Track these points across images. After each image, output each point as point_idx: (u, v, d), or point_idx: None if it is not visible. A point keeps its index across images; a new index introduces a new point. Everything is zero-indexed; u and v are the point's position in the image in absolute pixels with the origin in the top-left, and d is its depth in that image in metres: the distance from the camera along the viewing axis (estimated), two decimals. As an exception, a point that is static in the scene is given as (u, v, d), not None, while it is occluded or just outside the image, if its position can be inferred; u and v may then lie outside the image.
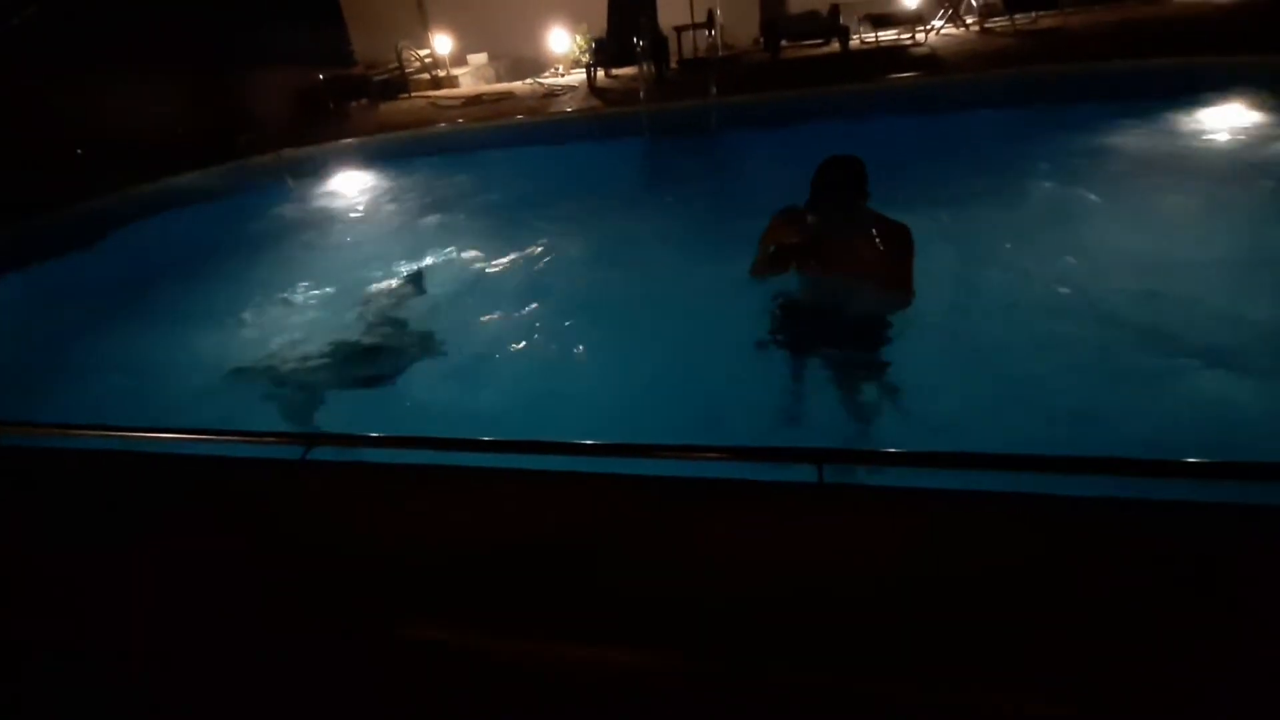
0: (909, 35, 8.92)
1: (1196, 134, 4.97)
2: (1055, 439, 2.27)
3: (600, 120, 7.06)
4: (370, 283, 4.32)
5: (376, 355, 3.33)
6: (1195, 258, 3.29)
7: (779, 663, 1.09)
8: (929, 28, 8.98)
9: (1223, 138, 4.84)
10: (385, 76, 10.13)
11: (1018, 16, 8.71)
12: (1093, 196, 4.22)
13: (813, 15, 9.37)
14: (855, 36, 9.05)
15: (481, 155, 6.86)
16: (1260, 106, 5.10)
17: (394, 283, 4.28)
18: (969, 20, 9.25)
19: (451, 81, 10.35)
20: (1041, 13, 8.81)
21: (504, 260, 4.43)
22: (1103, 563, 1.21)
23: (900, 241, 2.38)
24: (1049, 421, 2.38)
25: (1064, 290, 3.18)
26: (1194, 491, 1.36)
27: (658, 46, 8.39)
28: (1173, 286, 3.07)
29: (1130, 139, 5.02)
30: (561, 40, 10.37)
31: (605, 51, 8.83)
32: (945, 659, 1.06)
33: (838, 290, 2.49)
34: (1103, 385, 2.56)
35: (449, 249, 4.74)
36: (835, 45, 8.82)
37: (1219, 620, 1.08)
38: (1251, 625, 1.07)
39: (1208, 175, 4.38)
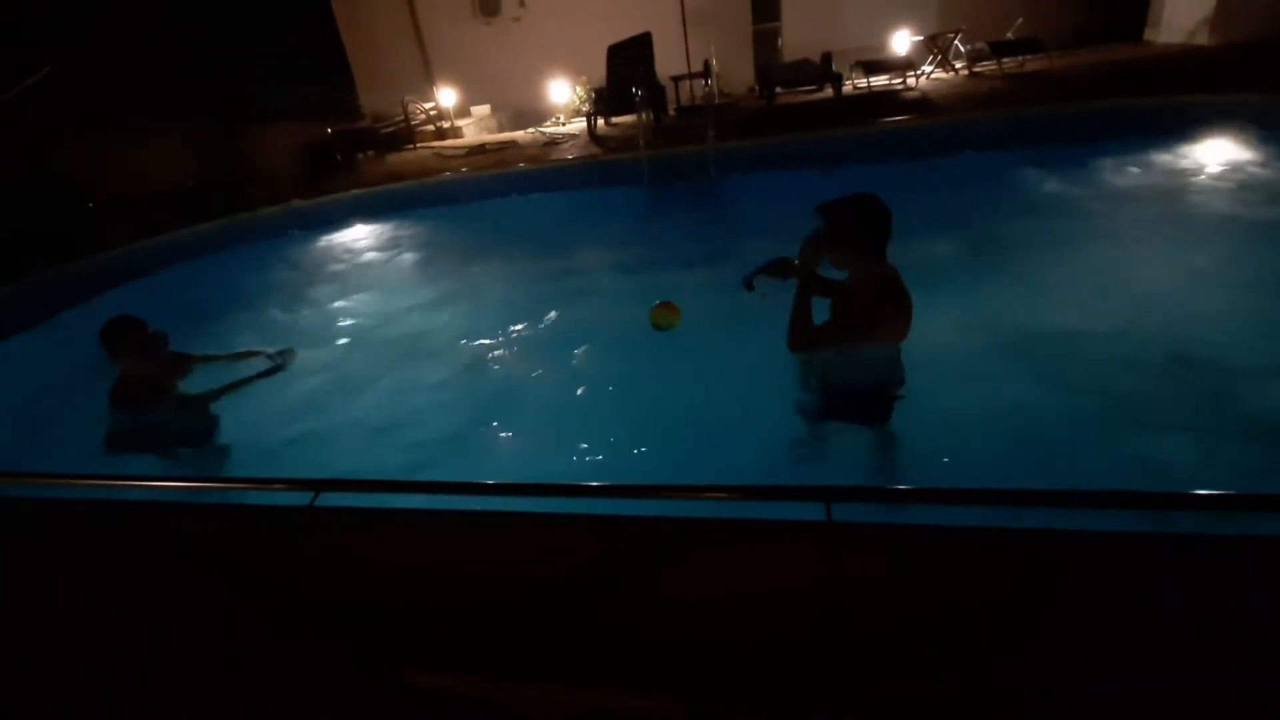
0: (900, 80, 9.19)
1: (1182, 169, 5.08)
2: (1067, 474, 2.27)
3: (600, 166, 7.22)
4: (377, 329, 4.37)
5: (384, 400, 3.35)
6: (1183, 291, 3.34)
7: (792, 702, 1.08)
8: (920, 73, 9.25)
9: (1206, 172, 4.95)
10: (391, 129, 10.41)
11: (1005, 60, 8.98)
12: (1083, 233, 4.29)
13: (806, 63, 9.67)
14: (848, 82, 9.31)
15: (485, 203, 7.00)
16: (1241, 142, 5.22)
17: (400, 328, 4.33)
18: (958, 65, 9.54)
19: (456, 132, 10.63)
20: (1028, 57, 9.09)
21: (509, 304, 4.49)
22: (1114, 598, 1.20)
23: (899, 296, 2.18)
24: (1060, 458, 2.37)
25: (1062, 327, 3.21)
26: (1212, 525, 1.36)
27: (655, 95, 8.64)
28: (1164, 320, 3.11)
29: (1120, 176, 5.13)
30: (562, 91, 10.68)
31: (605, 101, 9.10)
32: (955, 697, 1.05)
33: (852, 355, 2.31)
34: (1110, 420, 2.57)
35: (455, 295, 4.81)
36: (829, 91, 9.08)
37: (1236, 648, 1.07)
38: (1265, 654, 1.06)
39: (1194, 209, 4.47)
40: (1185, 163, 5.18)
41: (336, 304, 5.04)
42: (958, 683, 1.07)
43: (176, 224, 6.38)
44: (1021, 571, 1.29)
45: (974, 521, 1.38)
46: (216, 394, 2.88)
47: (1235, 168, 4.93)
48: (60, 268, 5.39)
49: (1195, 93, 6.03)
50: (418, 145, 10.10)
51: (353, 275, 5.73)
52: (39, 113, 6.88)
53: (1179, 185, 4.82)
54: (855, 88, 9.34)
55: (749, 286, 2.32)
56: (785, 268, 2.28)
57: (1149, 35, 10.09)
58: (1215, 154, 5.24)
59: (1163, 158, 5.29)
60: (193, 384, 3.07)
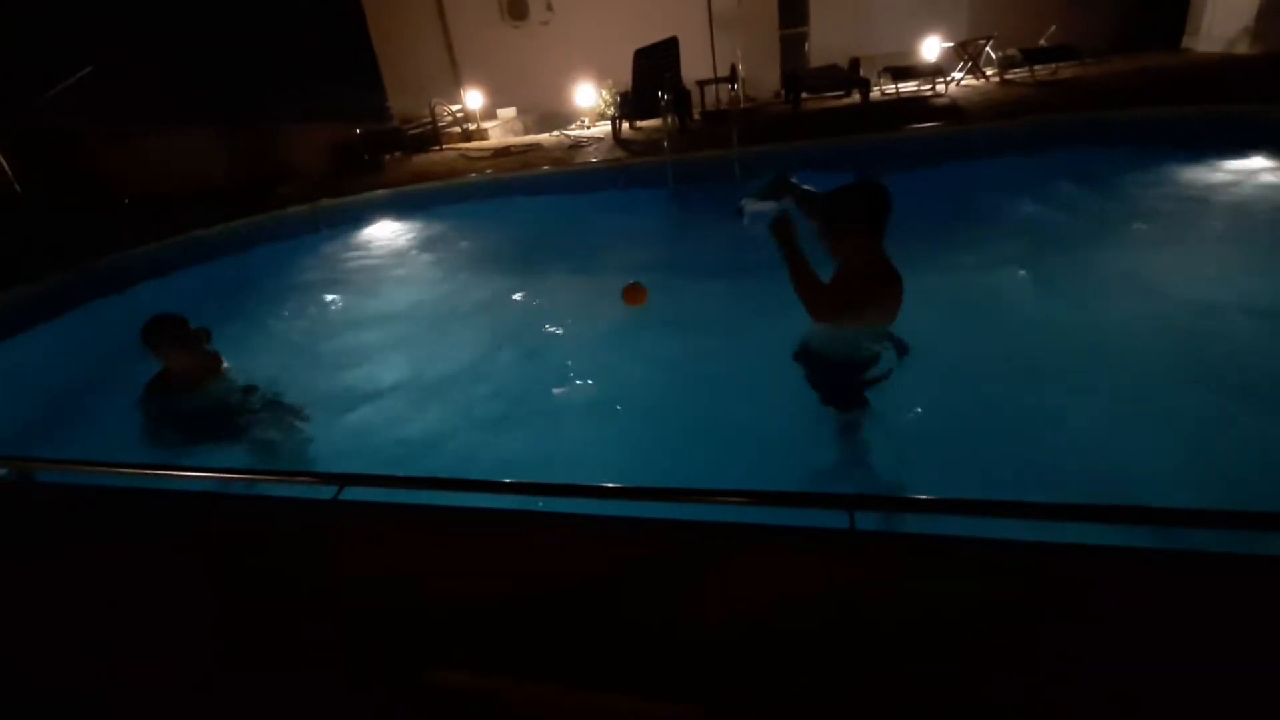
0: (929, 87, 9.09)
1: (1217, 181, 4.95)
2: (1093, 487, 2.22)
3: (625, 170, 7.23)
4: (401, 327, 4.42)
5: (410, 397, 3.38)
6: (1211, 305, 3.25)
7: (809, 709, 1.07)
8: (949, 79, 9.14)
9: (1243, 185, 4.82)
10: (419, 130, 10.54)
11: (1038, 68, 8.84)
12: (1114, 242, 4.21)
13: (833, 68, 9.62)
14: (876, 88, 9.23)
15: (510, 204, 7.06)
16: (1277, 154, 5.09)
17: (425, 326, 4.37)
18: (989, 72, 9.41)
19: (482, 134, 10.73)
20: (1061, 64, 8.94)
21: (532, 305, 4.52)
22: (1150, 612, 1.17)
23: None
24: (1087, 470, 2.33)
25: (1091, 338, 3.15)
26: (1235, 543, 1.32)
27: (681, 99, 8.64)
28: (1190, 333, 3.04)
29: (1151, 185, 5.02)
30: (588, 94, 10.74)
31: (630, 104, 9.12)
32: (976, 707, 1.03)
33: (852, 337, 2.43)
34: (1139, 433, 2.51)
35: (479, 294, 4.84)
36: (856, 97, 9.00)
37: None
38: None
39: (1225, 222, 4.36)
40: (1221, 174, 5.05)
41: (363, 301, 5.10)
42: (979, 693, 1.05)
43: (208, 221, 6.50)
44: (1046, 584, 1.26)
45: (999, 534, 1.35)
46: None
47: (1273, 179, 4.80)
48: (95, 262, 5.51)
49: (1234, 102, 5.88)
50: (444, 147, 10.21)
51: (378, 273, 5.80)
52: (77, 112, 7.09)
53: (1212, 196, 4.71)
54: (883, 94, 9.26)
55: (740, 214, 2.30)
56: (781, 187, 2.25)
57: (1188, 43, 9.87)
58: (1253, 165, 5.11)
59: (1198, 168, 5.17)
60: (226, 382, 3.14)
